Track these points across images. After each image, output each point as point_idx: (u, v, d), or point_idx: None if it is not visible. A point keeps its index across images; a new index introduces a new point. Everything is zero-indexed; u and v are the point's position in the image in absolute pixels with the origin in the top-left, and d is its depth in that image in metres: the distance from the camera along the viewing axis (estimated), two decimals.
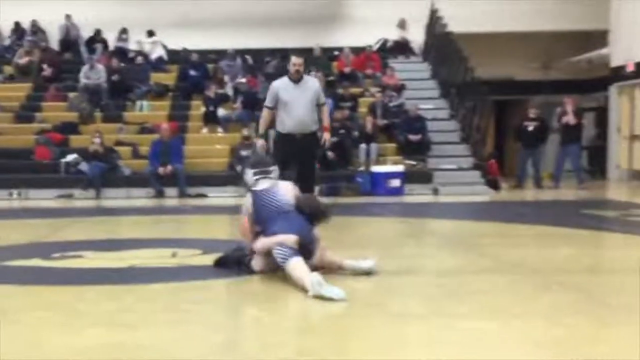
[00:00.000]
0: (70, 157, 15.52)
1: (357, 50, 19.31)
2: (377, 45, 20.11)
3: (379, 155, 15.79)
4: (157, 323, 4.45)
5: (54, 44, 20.26)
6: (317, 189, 10.30)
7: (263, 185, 5.85)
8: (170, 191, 14.95)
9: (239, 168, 15.10)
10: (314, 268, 5.26)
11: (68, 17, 20.05)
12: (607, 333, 4.18)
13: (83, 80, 17.71)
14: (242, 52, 19.37)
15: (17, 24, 20.40)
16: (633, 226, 9.17)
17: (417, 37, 20.21)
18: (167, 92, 18.42)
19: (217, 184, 15.20)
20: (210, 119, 16.93)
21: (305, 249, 5.42)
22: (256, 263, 5.73)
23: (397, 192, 14.81)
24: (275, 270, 5.55)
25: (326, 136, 9.20)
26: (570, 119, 16.10)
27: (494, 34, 20.87)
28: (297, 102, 8.77)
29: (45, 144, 15.97)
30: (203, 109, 17.11)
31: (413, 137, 16.06)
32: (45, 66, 18.76)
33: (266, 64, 19.17)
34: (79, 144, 16.02)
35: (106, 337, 4.10)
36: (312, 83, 9.03)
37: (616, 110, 19.83)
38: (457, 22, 18.31)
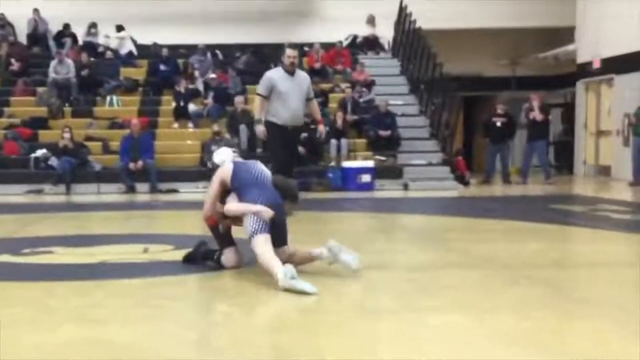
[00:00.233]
0: (40, 152, 15.38)
1: (327, 46, 19.34)
2: (347, 41, 20.17)
3: (349, 151, 15.85)
4: (128, 319, 4.46)
5: (22, 38, 20.04)
6: None
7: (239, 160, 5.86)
8: (141, 187, 14.88)
9: (209, 163, 15.10)
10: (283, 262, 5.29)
11: (36, 11, 19.84)
12: (574, 326, 4.26)
13: (52, 74, 17.55)
14: (212, 47, 19.31)
15: None
16: (600, 221, 9.31)
17: (386, 33, 20.29)
18: (137, 87, 18.31)
19: (188, 179, 15.16)
20: (181, 114, 16.87)
21: (279, 229, 5.40)
22: (226, 259, 5.74)
23: (368, 187, 14.89)
24: (245, 266, 5.57)
25: (322, 129, 9.63)
26: (536, 114, 16.28)
27: (462, 30, 21.02)
28: (292, 94, 8.82)
29: (13, 139, 15.81)
30: (174, 104, 17.04)
31: (383, 133, 16.14)
32: (13, 60, 18.55)
33: (237, 59, 19.14)
34: (49, 139, 15.88)
35: (77, 333, 4.10)
36: (304, 77, 9.09)
37: (583, 107, 20.06)
38: (426, 19, 18.41)
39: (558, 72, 22.33)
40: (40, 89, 17.59)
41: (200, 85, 17.82)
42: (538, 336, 4.00)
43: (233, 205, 5.47)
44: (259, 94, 8.99)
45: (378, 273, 5.75)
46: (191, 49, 19.09)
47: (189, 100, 17.07)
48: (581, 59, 20.01)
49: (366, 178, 15.01)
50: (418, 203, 12.85)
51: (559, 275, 5.89)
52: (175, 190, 14.88)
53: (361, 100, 17.34)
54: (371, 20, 20.14)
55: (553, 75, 22.59)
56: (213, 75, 17.87)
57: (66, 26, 19.93)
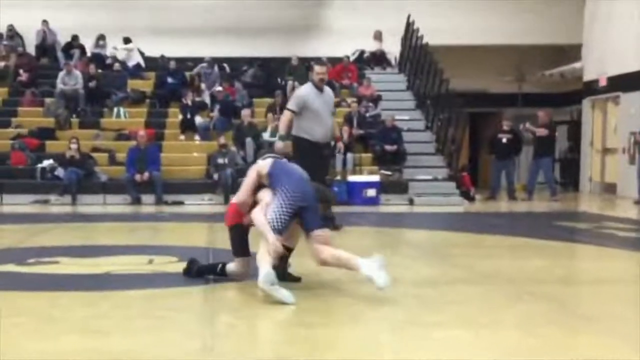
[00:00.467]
0: (47, 163, 15.42)
1: (334, 61, 19.38)
2: (354, 56, 20.22)
3: (355, 165, 15.86)
4: (132, 329, 4.47)
5: (31, 49, 20.14)
6: None
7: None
8: (147, 198, 14.90)
9: (215, 176, 15.13)
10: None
11: (45, 22, 19.94)
12: (578, 342, 4.25)
13: (60, 85, 17.62)
14: (219, 61, 19.38)
15: None
16: (604, 238, 9.29)
17: (393, 48, 20.34)
18: (144, 99, 18.37)
19: (194, 191, 15.18)
20: (188, 126, 16.91)
21: (310, 213, 5.41)
22: (235, 267, 5.72)
23: (373, 201, 14.89)
24: (249, 278, 5.58)
25: (340, 145, 10.13)
26: (539, 130, 16.33)
27: (469, 46, 21.05)
28: (324, 111, 8.74)
29: (21, 149, 15.86)
30: (180, 117, 17.09)
31: (389, 148, 16.16)
32: (21, 71, 18.63)
33: (244, 72, 19.20)
34: (55, 150, 15.92)
35: (81, 344, 4.10)
36: (330, 92, 9.01)
37: (589, 124, 20.05)
38: (433, 35, 18.45)
39: (564, 89, 22.34)
40: (48, 100, 17.66)
41: (207, 98, 17.87)
42: (542, 351, 4.00)
43: (258, 216, 5.44)
44: (290, 110, 8.69)
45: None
46: (198, 61, 19.16)
47: (196, 112, 17.12)
48: (587, 76, 20.01)
49: (371, 192, 15.01)
50: (423, 218, 12.84)
51: (564, 291, 5.89)
52: (180, 202, 14.89)
53: (367, 115, 17.37)
54: (378, 36, 20.20)
55: (559, 92, 22.60)
56: (220, 88, 17.93)
57: (74, 37, 20.02)
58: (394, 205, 14.89)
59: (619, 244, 8.63)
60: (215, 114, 17.22)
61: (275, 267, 5.24)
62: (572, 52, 21.01)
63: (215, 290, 5.63)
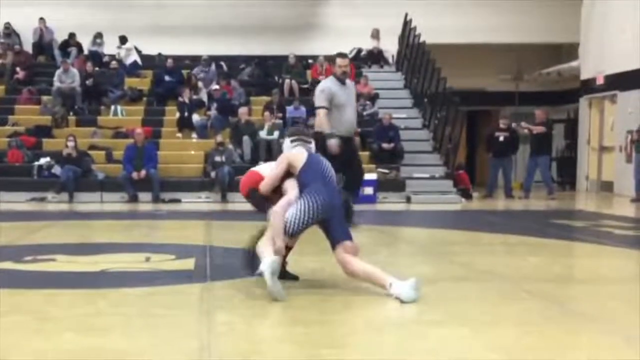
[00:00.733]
0: (44, 161, 15.42)
1: (331, 59, 19.38)
2: (352, 55, 20.22)
3: None
4: (130, 327, 4.46)
5: (28, 47, 20.12)
6: None
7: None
8: (144, 196, 14.90)
9: (212, 174, 15.12)
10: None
11: (42, 20, 19.92)
12: (575, 340, 4.26)
13: (57, 83, 17.62)
14: (216, 59, 19.37)
15: None
16: (601, 236, 9.31)
17: (391, 47, 20.35)
18: (141, 97, 18.38)
19: (191, 189, 15.19)
20: (185, 124, 16.91)
21: (333, 225, 5.30)
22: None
23: (371, 199, 14.88)
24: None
25: (357, 140, 9.38)
26: (535, 127, 16.35)
27: (466, 45, 21.07)
28: (348, 104, 8.56)
29: (18, 147, 15.85)
30: (177, 115, 17.08)
31: (386, 146, 16.17)
32: (18, 69, 18.63)
33: (241, 70, 19.19)
34: (52, 148, 15.93)
35: (77, 341, 4.10)
36: (352, 85, 8.85)
37: (586, 122, 20.07)
38: (430, 34, 18.47)
39: (562, 87, 22.36)
40: (45, 98, 17.66)
41: (204, 96, 17.87)
42: (538, 349, 4.00)
43: (277, 219, 5.23)
44: (322, 107, 8.46)
45: None
46: (195, 60, 19.15)
47: (193, 110, 17.12)
48: (585, 75, 20.03)
49: (369, 190, 14.99)
50: (420, 216, 12.85)
51: (561, 289, 5.89)
52: (177, 200, 14.89)
53: (365, 113, 17.38)
54: (375, 34, 20.21)
55: (557, 90, 22.62)
56: (217, 87, 17.92)
57: (72, 36, 20.00)
58: (391, 203, 14.91)
59: (616, 242, 8.64)
60: (213, 112, 17.22)
61: None
62: (569, 50, 21.04)
63: (213, 288, 5.63)
